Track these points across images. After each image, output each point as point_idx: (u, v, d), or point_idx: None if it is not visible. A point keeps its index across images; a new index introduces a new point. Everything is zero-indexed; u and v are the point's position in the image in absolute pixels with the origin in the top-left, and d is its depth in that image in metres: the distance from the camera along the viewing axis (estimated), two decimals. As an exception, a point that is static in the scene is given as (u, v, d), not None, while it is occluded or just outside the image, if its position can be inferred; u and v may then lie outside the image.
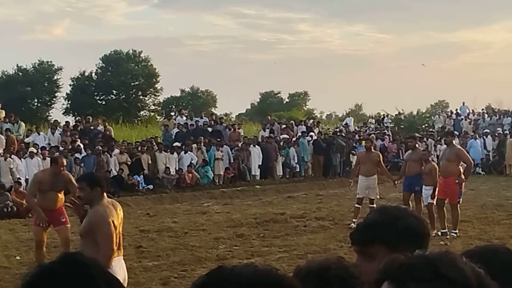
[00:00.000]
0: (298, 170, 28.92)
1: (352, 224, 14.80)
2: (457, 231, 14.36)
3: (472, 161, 14.88)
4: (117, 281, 1.96)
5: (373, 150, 16.71)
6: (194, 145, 26.44)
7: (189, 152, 25.82)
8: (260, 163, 27.41)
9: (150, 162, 24.90)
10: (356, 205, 15.74)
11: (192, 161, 25.46)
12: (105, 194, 6.69)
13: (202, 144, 26.40)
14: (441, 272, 1.52)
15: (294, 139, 29.66)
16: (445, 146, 17.04)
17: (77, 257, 1.94)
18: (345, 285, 2.31)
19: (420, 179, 14.99)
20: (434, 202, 14.58)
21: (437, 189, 14.45)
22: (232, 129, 30.42)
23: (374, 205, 15.64)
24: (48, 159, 21.83)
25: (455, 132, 31.34)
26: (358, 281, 2.37)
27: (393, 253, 2.37)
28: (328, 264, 2.39)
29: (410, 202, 15.34)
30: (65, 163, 11.82)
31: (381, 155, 16.96)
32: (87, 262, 1.91)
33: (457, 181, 14.19)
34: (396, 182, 16.20)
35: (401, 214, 2.55)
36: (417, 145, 16.82)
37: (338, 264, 2.41)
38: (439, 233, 14.26)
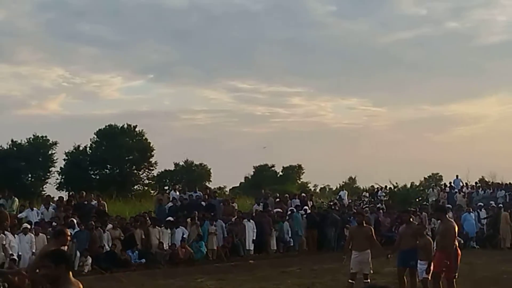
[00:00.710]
0: (292, 244, 28.78)
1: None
2: (452, 306, 14.23)
3: (454, 241, 14.72)
4: None
5: (364, 225, 16.62)
6: (188, 220, 26.38)
7: (181, 226, 25.75)
8: (254, 237, 27.30)
9: (143, 237, 24.79)
10: (350, 281, 15.60)
11: (184, 236, 25.37)
12: (71, 272, 6.19)
13: (196, 218, 26.34)
14: None
15: (288, 212, 29.61)
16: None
17: None
18: None
19: (415, 253, 14.91)
20: (429, 277, 14.51)
21: (432, 263, 14.39)
22: (226, 203, 30.38)
23: (369, 280, 15.55)
24: (41, 235, 21.78)
25: (449, 205, 31.37)
26: None
27: None
28: None
29: (404, 277, 15.26)
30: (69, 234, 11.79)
31: (373, 229, 16.88)
32: None
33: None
34: (389, 256, 16.10)
35: None
36: (411, 219, 16.82)
37: None
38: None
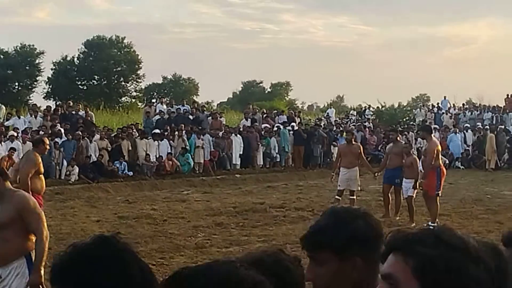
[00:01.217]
0: (278, 160, 28.89)
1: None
2: (435, 224, 14.41)
3: (433, 160, 14.76)
4: (147, 267, 2.01)
5: (354, 143, 16.72)
6: (175, 133, 26.35)
7: (165, 139, 25.73)
8: (241, 152, 27.36)
9: (130, 148, 24.78)
10: (337, 197, 15.76)
11: (169, 151, 25.35)
12: (8, 182, 6.30)
13: (183, 131, 26.31)
14: (443, 239, 1.62)
15: (275, 129, 29.62)
16: (426, 139, 17.04)
17: (110, 239, 1.97)
18: (279, 279, 2.19)
19: (401, 172, 15.06)
20: (414, 195, 14.68)
21: (418, 181, 14.54)
22: (214, 118, 30.31)
23: (355, 197, 15.72)
24: (28, 143, 21.70)
25: (435, 126, 31.50)
26: (292, 274, 2.30)
27: (342, 258, 2.34)
28: (262, 258, 2.30)
29: (389, 195, 15.43)
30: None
31: (361, 147, 16.97)
32: (120, 244, 1.95)
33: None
34: (376, 174, 16.24)
35: (350, 217, 2.43)
36: (398, 138, 16.92)
37: (274, 257, 2.33)
38: (424, 225, 14.36)
